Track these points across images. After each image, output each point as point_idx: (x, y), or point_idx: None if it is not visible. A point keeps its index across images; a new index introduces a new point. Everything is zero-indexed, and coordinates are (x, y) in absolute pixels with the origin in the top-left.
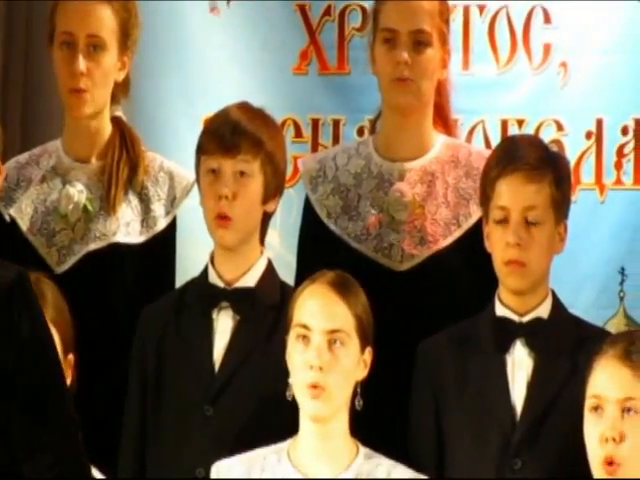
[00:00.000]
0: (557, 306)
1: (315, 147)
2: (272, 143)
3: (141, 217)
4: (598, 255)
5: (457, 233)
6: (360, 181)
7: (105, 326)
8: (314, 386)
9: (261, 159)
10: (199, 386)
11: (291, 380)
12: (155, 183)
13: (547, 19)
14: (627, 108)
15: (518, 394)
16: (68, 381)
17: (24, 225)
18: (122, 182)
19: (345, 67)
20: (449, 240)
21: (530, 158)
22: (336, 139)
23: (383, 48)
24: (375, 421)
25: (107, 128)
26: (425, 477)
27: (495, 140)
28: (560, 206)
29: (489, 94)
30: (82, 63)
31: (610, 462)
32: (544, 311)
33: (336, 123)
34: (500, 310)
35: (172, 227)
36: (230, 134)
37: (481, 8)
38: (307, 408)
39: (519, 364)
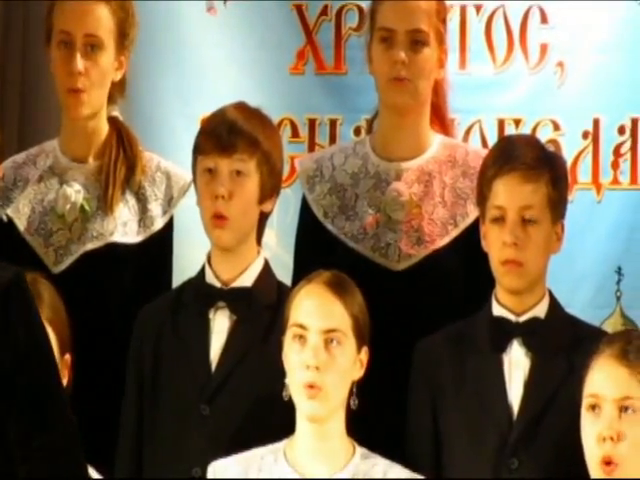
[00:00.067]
0: (554, 306)
1: (312, 147)
2: (268, 143)
3: (138, 217)
4: (595, 254)
5: (454, 233)
6: (357, 181)
7: (102, 326)
8: (311, 386)
9: (257, 158)
10: (196, 386)
11: (288, 380)
12: (152, 183)
13: (544, 19)
14: (624, 108)
15: (515, 394)
16: (65, 381)
17: (21, 225)
18: (119, 182)
19: (342, 67)
20: (446, 240)
21: (527, 158)
22: (333, 139)
23: (380, 47)
24: (372, 421)
25: (104, 128)
26: (421, 477)
27: (492, 140)
28: (557, 206)
29: (486, 94)
30: (80, 62)
31: (608, 462)
32: (541, 311)
33: (333, 123)
34: (497, 310)
35: (169, 227)
36: (226, 134)
37: (478, 8)
38: (303, 408)
39: (516, 364)
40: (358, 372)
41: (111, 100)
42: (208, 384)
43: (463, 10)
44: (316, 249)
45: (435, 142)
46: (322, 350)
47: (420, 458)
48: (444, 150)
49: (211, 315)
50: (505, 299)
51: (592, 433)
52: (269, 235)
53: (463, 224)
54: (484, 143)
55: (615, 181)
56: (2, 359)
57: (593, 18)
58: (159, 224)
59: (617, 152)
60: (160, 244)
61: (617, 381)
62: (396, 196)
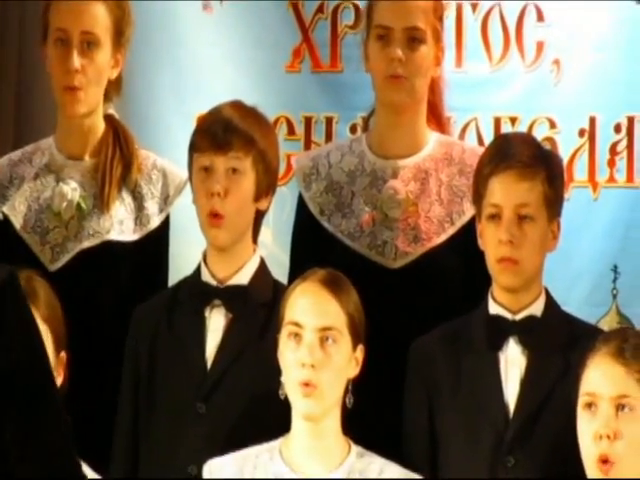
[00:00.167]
0: (550, 304)
1: (308, 145)
2: (264, 141)
3: (134, 215)
4: (591, 252)
5: (451, 231)
6: (353, 178)
7: (98, 323)
8: (306, 384)
9: (253, 156)
10: (191, 384)
11: (283, 378)
12: (148, 181)
13: (540, 17)
14: (620, 106)
15: (511, 392)
16: (60, 379)
17: (17, 223)
18: (116, 180)
19: (338, 65)
20: (443, 238)
21: (523, 156)
22: (329, 137)
23: (377, 45)
24: (368, 419)
25: (100, 126)
26: (417, 475)
27: (488, 138)
28: (553, 204)
29: (482, 92)
30: (76, 60)
31: (604, 460)
32: (537, 309)
33: (329, 121)
34: (493, 308)
35: (165, 225)
36: (222, 132)
37: (474, 5)
38: (299, 406)
39: (512, 362)
40: (354, 370)
41: (107, 98)
42: (204, 382)
43: (459, 8)
44: (312, 247)
45: (431, 140)
46: (317, 348)
47: (416, 457)
48: (440, 148)
49: (207, 313)
50: (501, 297)
51: (588, 431)
52: (265, 233)
53: (460, 222)
54: (480, 141)
55: (611, 179)
56: None
57: (589, 16)
58: (155, 222)
59: (613, 150)
60: (156, 242)
61: (613, 379)
62: (392, 194)
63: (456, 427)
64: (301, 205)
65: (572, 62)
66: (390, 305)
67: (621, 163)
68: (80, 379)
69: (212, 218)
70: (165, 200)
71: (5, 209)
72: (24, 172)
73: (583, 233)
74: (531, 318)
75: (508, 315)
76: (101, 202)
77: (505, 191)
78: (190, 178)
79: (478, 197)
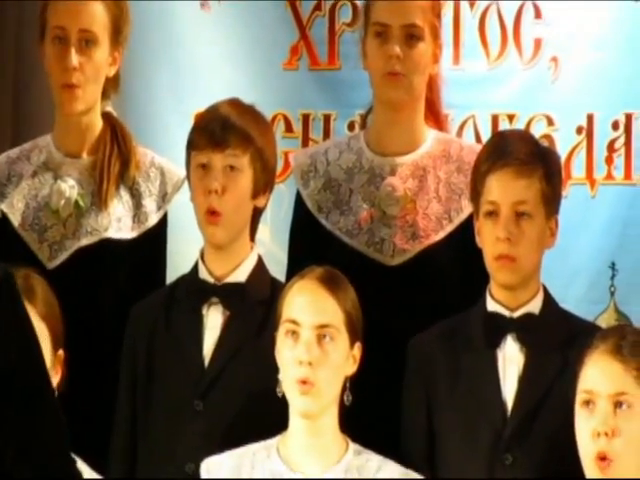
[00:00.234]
0: (548, 301)
1: (306, 142)
2: (262, 139)
3: (132, 212)
4: (589, 250)
5: (449, 228)
6: (351, 176)
7: (96, 321)
8: (303, 381)
9: (250, 154)
10: (189, 381)
11: (281, 376)
12: (146, 179)
13: (538, 14)
14: (618, 103)
15: (509, 389)
16: (58, 377)
17: (15, 220)
18: (113, 177)
19: (335, 62)
20: (441, 235)
21: (520, 153)
22: (327, 134)
23: (375, 42)
24: (366, 417)
25: (98, 123)
26: (415, 473)
27: (486, 135)
28: (550, 201)
29: (480, 89)
30: (74, 58)
31: (602, 458)
32: (535, 306)
33: (327, 118)
34: (491, 305)
35: (163, 223)
36: (220, 129)
37: (472, 3)
38: (296, 404)
39: (510, 359)
40: (351, 368)
41: (104, 96)
42: (201, 380)
43: (457, 5)
44: (310, 244)
45: (429, 137)
46: (315, 346)
47: (414, 454)
48: (438, 145)
49: (204, 311)
50: (499, 294)
51: (586, 429)
52: (263, 231)
53: (457, 219)
54: (478, 138)
55: (609, 176)
56: None
57: (587, 14)
58: (153, 220)
59: (611, 147)
60: (154, 240)
61: (611, 377)
62: (390, 191)
63: (454, 425)
64: (299, 202)
65: (570, 59)
66: (388, 302)
67: (619, 160)
68: (78, 377)
69: (210, 216)
70: (163, 198)
71: (3, 207)
72: (22, 170)
73: (581, 230)
74: (529, 315)
75: (506, 312)
76: (99, 200)
77: (503, 188)
78: (188, 176)
79: (476, 194)
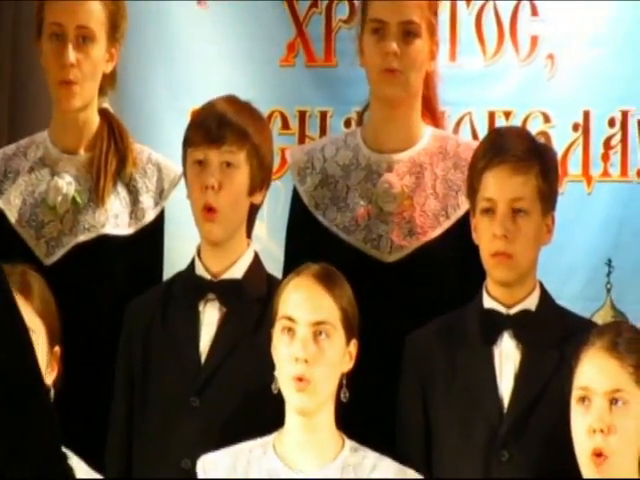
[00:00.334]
0: (545, 298)
1: (302, 139)
2: (258, 136)
3: (130, 209)
4: (585, 247)
5: (446, 224)
6: (348, 172)
7: (93, 317)
8: (300, 379)
9: (247, 150)
10: (185, 378)
11: (277, 373)
12: (143, 175)
13: (534, 11)
14: (614, 100)
15: (505, 386)
16: (54, 374)
17: (12, 217)
18: (111, 174)
19: (332, 59)
20: (438, 231)
21: (517, 150)
22: (323, 131)
23: (372, 39)
24: (362, 414)
25: (95, 120)
26: (411, 470)
27: (482, 132)
28: (547, 198)
29: (476, 86)
30: (72, 54)
31: (598, 454)
32: (532, 303)
33: (323, 115)
34: (487, 302)
35: (160, 219)
36: (216, 126)
37: (468, 1)
38: (293, 401)
39: (506, 356)
40: (347, 365)
41: (101, 92)
42: (198, 376)
43: (453, 2)
44: (307, 241)
45: (426, 134)
46: (311, 343)
47: (411, 451)
48: (435, 142)
49: (201, 307)
50: (495, 291)
51: (582, 425)
52: (259, 227)
53: (455, 216)
54: (474, 135)
55: (605, 173)
56: None
57: (584, 11)
58: (150, 216)
59: (607, 144)
60: (151, 236)
61: (607, 373)
62: (387, 188)
63: (450, 421)
64: (296, 199)
65: (566, 57)
66: (385, 299)
67: (615, 157)
68: (74, 373)
69: (206, 212)
70: (160, 194)
71: (0, 203)
72: (19, 166)
73: (577, 227)
74: (525, 312)
75: (502, 309)
76: (96, 196)
77: (499, 185)
78: (184, 172)
79: (472, 191)
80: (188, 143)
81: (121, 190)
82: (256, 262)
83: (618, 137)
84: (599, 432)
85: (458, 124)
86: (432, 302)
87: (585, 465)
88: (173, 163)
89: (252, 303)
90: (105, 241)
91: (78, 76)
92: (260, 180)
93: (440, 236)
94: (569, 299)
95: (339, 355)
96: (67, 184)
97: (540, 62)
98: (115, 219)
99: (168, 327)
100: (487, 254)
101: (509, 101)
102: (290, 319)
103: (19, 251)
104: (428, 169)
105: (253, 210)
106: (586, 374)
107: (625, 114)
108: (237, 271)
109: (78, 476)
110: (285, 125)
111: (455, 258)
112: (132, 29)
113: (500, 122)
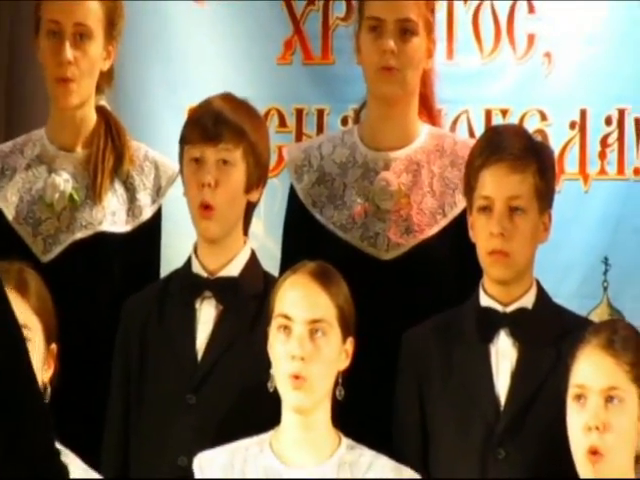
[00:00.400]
0: (542, 296)
1: (299, 137)
2: (255, 134)
3: (127, 206)
4: (582, 245)
5: (443, 222)
6: (345, 170)
7: (90, 315)
8: (296, 376)
9: (243, 148)
10: (182, 375)
11: (273, 371)
12: (140, 172)
13: (531, 9)
14: (611, 98)
15: (502, 384)
16: (51, 371)
17: (10, 214)
18: (108, 171)
19: (329, 57)
20: (435, 229)
21: (514, 148)
22: (320, 129)
23: (369, 37)
24: (359, 412)
25: (92, 117)
26: (407, 468)
27: (479, 130)
28: (544, 196)
29: (473, 84)
30: (69, 52)
31: (594, 452)
32: (528, 301)
33: (320, 113)
34: (484, 300)
35: (157, 216)
36: (212, 123)
37: None
38: (289, 399)
39: (503, 354)
40: (344, 363)
41: (99, 90)
42: (194, 373)
43: (450, 0)
44: (304, 239)
45: (423, 132)
46: (307, 341)
47: (407, 449)
48: (432, 140)
49: (197, 305)
50: (492, 289)
51: (578, 423)
52: (256, 225)
53: (452, 214)
54: (471, 133)
55: (602, 171)
56: None
57: (581, 9)
58: (147, 214)
59: (604, 142)
60: (149, 233)
61: (603, 371)
62: (385, 186)
63: (447, 419)
64: (292, 197)
65: (563, 54)
66: (382, 296)
67: (612, 155)
68: (71, 371)
69: (203, 210)
70: (157, 191)
71: None
72: (16, 163)
73: (574, 225)
74: (522, 310)
75: (499, 307)
76: (93, 193)
77: (496, 183)
78: (181, 170)
79: (469, 189)
80: (185, 141)
81: (118, 187)
82: (253, 260)
83: (615, 135)
84: (595, 430)
85: (455, 122)
86: (429, 300)
87: (581, 463)
88: (170, 160)
89: (249, 301)
90: (102, 238)
91: (75, 74)
92: (257, 178)
93: (437, 234)
94: (566, 297)
95: (335, 353)
96: (64, 181)
97: (537, 60)
98: (112, 216)
99: (165, 324)
100: (484, 252)
101: (506, 99)
102: (286, 317)
103: (16, 248)
104: (425, 167)
105: (250, 208)
106: (582, 372)
107: (622, 112)
108: (234, 269)
109: (73, 473)
110: (282, 123)
111: (452, 256)
112: (129, 27)
113: (497, 120)
